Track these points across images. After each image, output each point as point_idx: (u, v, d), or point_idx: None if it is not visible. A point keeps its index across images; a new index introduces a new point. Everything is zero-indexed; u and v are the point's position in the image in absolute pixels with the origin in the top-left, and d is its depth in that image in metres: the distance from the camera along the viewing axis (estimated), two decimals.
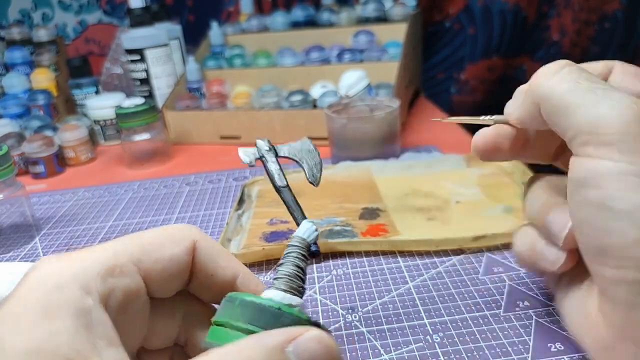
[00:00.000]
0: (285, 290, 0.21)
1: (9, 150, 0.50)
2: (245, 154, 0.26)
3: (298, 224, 0.24)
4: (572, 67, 0.24)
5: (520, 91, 0.27)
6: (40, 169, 0.70)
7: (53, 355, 0.16)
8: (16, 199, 0.52)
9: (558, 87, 0.23)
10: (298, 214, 0.25)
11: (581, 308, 0.25)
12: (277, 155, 0.26)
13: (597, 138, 0.22)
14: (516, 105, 0.27)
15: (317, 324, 0.19)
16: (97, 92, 0.90)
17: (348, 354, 0.31)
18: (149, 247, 0.22)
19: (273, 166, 0.26)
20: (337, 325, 0.34)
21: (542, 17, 0.81)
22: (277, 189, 0.26)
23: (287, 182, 0.26)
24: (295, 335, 0.18)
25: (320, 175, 0.27)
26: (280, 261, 0.22)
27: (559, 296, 0.28)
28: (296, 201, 0.25)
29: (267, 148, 0.26)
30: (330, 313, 0.35)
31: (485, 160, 0.30)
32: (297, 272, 0.22)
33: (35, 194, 0.64)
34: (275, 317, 0.19)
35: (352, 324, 0.34)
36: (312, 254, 0.23)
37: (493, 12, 0.83)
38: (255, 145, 0.26)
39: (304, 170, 0.26)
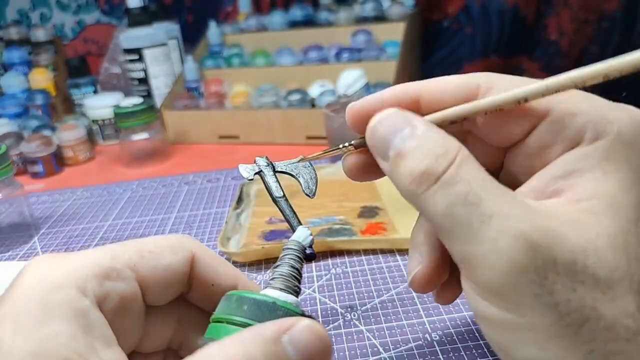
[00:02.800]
0: (281, 289, 0.21)
1: (8, 149, 0.50)
2: (245, 170, 0.29)
3: (294, 231, 0.25)
4: (451, 186, 0.19)
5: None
6: (38, 168, 0.70)
7: (52, 357, 0.17)
8: (15, 199, 0.52)
9: (433, 208, 0.19)
10: (294, 222, 0.26)
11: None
12: (274, 170, 0.28)
13: (477, 281, 0.19)
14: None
15: (310, 317, 0.20)
16: (95, 92, 0.90)
17: (347, 353, 0.31)
18: (148, 254, 0.21)
19: (271, 179, 0.28)
20: (336, 323, 0.34)
21: (541, 16, 0.82)
22: (274, 200, 0.27)
23: (283, 193, 0.28)
24: (289, 326, 0.18)
25: (316, 188, 0.28)
26: (277, 263, 0.23)
27: None
28: (292, 210, 0.27)
29: (265, 164, 0.28)
30: (329, 312, 0.35)
31: (359, 181, 0.27)
32: (293, 272, 0.22)
33: (33, 194, 0.64)
34: (271, 311, 0.19)
35: (351, 322, 0.34)
36: (308, 257, 0.24)
37: (491, 12, 0.83)
38: (254, 162, 0.29)
39: (300, 184, 0.28)
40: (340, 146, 0.26)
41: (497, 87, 0.22)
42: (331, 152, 0.27)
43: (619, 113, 0.20)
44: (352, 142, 0.25)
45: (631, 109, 0.21)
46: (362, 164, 0.25)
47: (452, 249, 0.20)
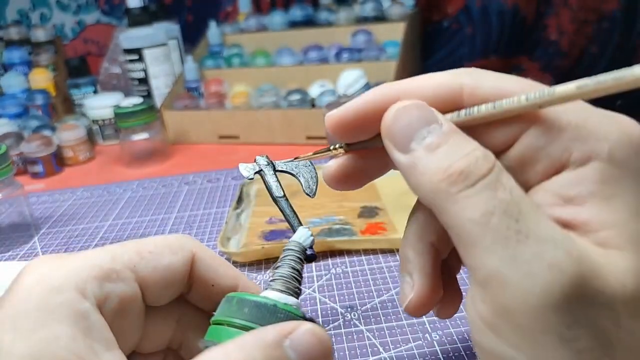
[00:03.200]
0: (281, 291, 0.21)
1: (8, 149, 0.50)
2: (245, 169, 0.28)
3: (294, 231, 0.24)
4: (492, 191, 0.17)
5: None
6: (38, 168, 0.70)
7: (52, 359, 0.17)
8: (15, 199, 0.52)
9: (464, 213, 0.17)
10: (295, 222, 0.26)
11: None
12: (275, 169, 0.28)
13: (497, 302, 0.17)
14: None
15: (311, 320, 0.20)
16: (95, 92, 0.90)
17: (347, 352, 0.31)
18: (148, 255, 0.21)
19: (271, 179, 0.28)
20: (336, 323, 0.34)
21: (541, 16, 0.82)
22: (275, 199, 0.27)
23: (284, 193, 0.27)
24: (290, 330, 0.18)
25: (317, 187, 0.28)
26: (277, 264, 0.23)
27: None
28: (293, 210, 0.27)
29: (266, 163, 0.28)
30: (329, 311, 0.35)
31: (339, 190, 0.25)
32: (293, 273, 0.22)
33: (33, 194, 0.64)
34: (272, 313, 0.19)
35: (351, 322, 0.34)
36: (308, 257, 0.24)
37: (491, 12, 0.83)
38: (254, 161, 0.29)
39: (301, 183, 0.28)
40: (330, 147, 0.25)
41: (483, 87, 0.20)
42: (321, 154, 0.27)
43: (609, 127, 0.18)
44: (342, 144, 0.24)
45: (622, 121, 0.19)
46: (344, 171, 0.24)
47: (476, 262, 0.17)
